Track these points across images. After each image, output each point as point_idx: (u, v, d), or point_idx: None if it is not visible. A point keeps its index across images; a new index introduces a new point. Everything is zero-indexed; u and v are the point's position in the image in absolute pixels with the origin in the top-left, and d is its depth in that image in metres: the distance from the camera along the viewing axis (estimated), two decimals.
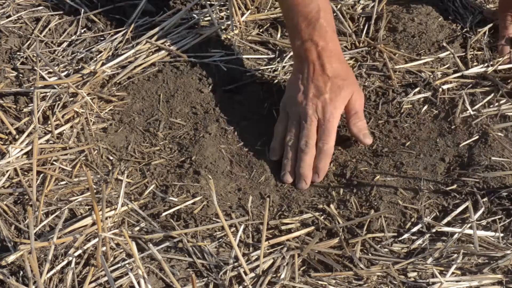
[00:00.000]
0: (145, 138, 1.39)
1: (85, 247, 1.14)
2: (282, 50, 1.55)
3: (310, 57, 1.32)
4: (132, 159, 1.34)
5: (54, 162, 1.30)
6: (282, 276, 1.10)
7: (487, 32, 1.58)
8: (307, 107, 1.31)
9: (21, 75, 1.49)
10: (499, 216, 1.20)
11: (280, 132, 1.35)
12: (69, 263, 1.11)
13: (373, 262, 1.14)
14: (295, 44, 1.35)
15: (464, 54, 1.54)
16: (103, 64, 1.50)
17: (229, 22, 1.58)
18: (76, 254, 1.12)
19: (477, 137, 1.35)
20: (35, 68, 1.48)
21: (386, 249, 1.17)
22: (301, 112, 1.32)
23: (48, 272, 1.09)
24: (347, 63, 1.39)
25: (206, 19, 1.61)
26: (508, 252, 1.13)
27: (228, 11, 1.61)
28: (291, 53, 1.52)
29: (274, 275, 1.11)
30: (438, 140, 1.36)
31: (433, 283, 1.08)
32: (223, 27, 1.59)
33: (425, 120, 1.41)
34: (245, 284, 1.09)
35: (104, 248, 1.12)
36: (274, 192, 1.30)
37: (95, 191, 1.16)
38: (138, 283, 1.05)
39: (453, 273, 1.11)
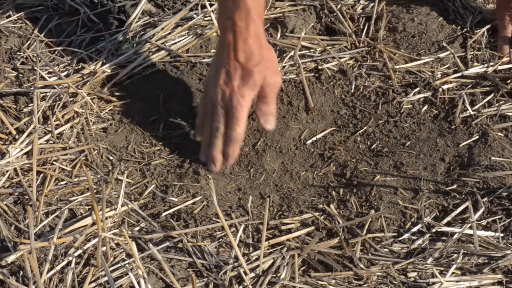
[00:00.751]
0: (145, 138, 1.39)
1: (85, 247, 1.14)
2: (282, 50, 1.55)
3: (226, 38, 1.29)
4: (132, 159, 1.34)
5: (54, 162, 1.30)
6: (282, 276, 1.10)
7: (485, 33, 1.58)
8: (216, 93, 1.30)
9: (21, 75, 1.49)
10: (499, 216, 1.20)
11: (201, 112, 1.36)
12: (69, 263, 1.11)
13: (373, 262, 1.14)
14: (218, 19, 1.33)
15: (464, 54, 1.54)
16: (103, 64, 1.50)
17: None
18: (76, 254, 1.12)
19: (477, 137, 1.35)
20: (35, 68, 1.48)
21: (386, 249, 1.17)
22: (212, 97, 1.31)
23: (48, 272, 1.09)
24: (268, 47, 1.34)
25: (206, 19, 1.61)
26: (508, 252, 1.13)
27: None
28: (291, 53, 1.52)
29: (274, 275, 1.11)
30: (438, 140, 1.37)
31: (433, 283, 1.08)
32: None
33: (425, 120, 1.41)
34: (245, 284, 1.09)
35: (104, 248, 1.12)
36: (274, 192, 1.30)
37: (95, 191, 1.16)
38: (138, 283, 1.05)
39: (453, 273, 1.11)
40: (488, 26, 1.59)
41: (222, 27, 1.31)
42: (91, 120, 1.40)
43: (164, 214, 1.22)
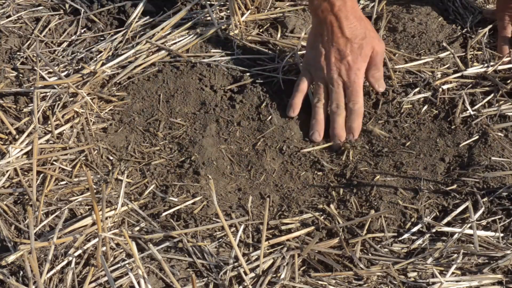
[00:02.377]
0: (145, 138, 1.39)
1: (85, 247, 1.14)
2: (282, 50, 1.55)
3: (328, 19, 1.35)
4: (132, 159, 1.34)
5: (54, 162, 1.30)
6: (282, 276, 1.10)
7: (487, 33, 1.58)
8: (332, 71, 1.36)
9: (21, 75, 1.49)
10: (499, 216, 1.20)
11: (302, 90, 1.40)
12: (69, 263, 1.11)
13: (373, 262, 1.14)
14: (313, 3, 1.37)
15: (464, 54, 1.54)
16: (103, 64, 1.50)
17: (229, 22, 1.58)
18: (76, 254, 1.12)
19: (477, 137, 1.35)
20: (35, 68, 1.48)
21: (386, 249, 1.17)
22: (326, 77, 1.37)
23: (48, 272, 1.09)
24: (365, 18, 1.40)
25: (206, 19, 1.61)
26: (508, 252, 1.13)
27: (228, 11, 1.62)
28: (291, 53, 1.52)
29: (274, 275, 1.11)
30: (438, 140, 1.37)
31: (433, 283, 1.08)
32: (223, 27, 1.59)
33: (425, 120, 1.41)
34: (245, 284, 1.09)
35: (104, 248, 1.12)
36: (274, 192, 1.30)
37: (95, 191, 1.16)
38: (138, 283, 1.05)
39: (453, 273, 1.11)
40: (490, 26, 1.59)
41: (317, 8, 1.36)
42: (91, 120, 1.40)
43: (164, 214, 1.22)
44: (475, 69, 1.49)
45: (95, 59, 1.52)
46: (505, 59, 1.50)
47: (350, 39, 1.35)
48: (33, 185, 1.23)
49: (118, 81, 1.48)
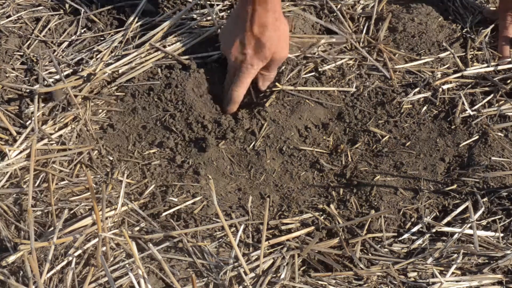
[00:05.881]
0: (145, 139, 1.39)
1: (85, 247, 1.14)
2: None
3: (245, 8, 1.38)
4: (132, 159, 1.34)
5: (54, 163, 1.30)
6: (282, 276, 1.10)
7: (489, 33, 1.58)
8: (230, 57, 1.44)
9: (21, 75, 1.49)
10: (499, 216, 1.20)
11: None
12: (69, 263, 1.11)
13: (373, 262, 1.14)
14: None
15: (464, 54, 1.54)
16: (103, 65, 1.50)
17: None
18: (76, 254, 1.12)
19: (477, 137, 1.35)
20: (35, 68, 1.48)
21: (386, 249, 1.17)
22: (227, 58, 1.46)
23: (48, 272, 1.09)
24: (282, 19, 1.42)
25: (206, 19, 1.61)
26: (508, 252, 1.13)
27: (228, 12, 1.61)
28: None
29: (274, 275, 1.11)
30: (438, 140, 1.37)
31: (433, 283, 1.08)
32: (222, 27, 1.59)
33: (425, 120, 1.41)
34: (245, 284, 1.09)
35: (104, 248, 1.12)
36: (274, 192, 1.30)
37: (95, 191, 1.16)
38: (138, 283, 1.05)
39: (453, 273, 1.11)
40: (492, 26, 1.59)
41: None
42: (91, 121, 1.40)
43: (164, 214, 1.22)
44: (475, 69, 1.49)
45: (95, 59, 1.52)
46: (506, 59, 1.50)
47: (256, 36, 1.39)
48: (30, 185, 1.23)
49: (118, 82, 1.48)
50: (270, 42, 1.39)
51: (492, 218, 1.20)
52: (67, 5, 1.65)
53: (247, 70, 1.42)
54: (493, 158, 1.29)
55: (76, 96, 1.42)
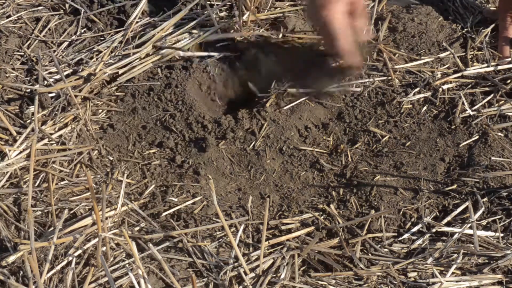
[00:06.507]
0: (145, 139, 1.39)
1: (85, 247, 1.14)
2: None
3: None
4: (132, 159, 1.34)
5: (54, 163, 1.30)
6: (282, 276, 1.10)
7: (489, 33, 1.58)
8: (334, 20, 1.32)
9: (21, 75, 1.49)
10: (499, 216, 1.20)
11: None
12: (69, 263, 1.11)
13: (373, 262, 1.14)
14: None
15: (464, 54, 1.54)
16: (103, 65, 1.50)
17: (229, 22, 1.58)
18: (76, 254, 1.12)
19: (477, 137, 1.35)
20: (35, 68, 1.48)
21: (386, 249, 1.17)
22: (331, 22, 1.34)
23: (48, 272, 1.09)
24: None
25: (206, 19, 1.61)
26: (508, 252, 1.13)
27: (228, 12, 1.62)
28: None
29: (274, 275, 1.11)
30: (438, 140, 1.37)
31: (433, 283, 1.08)
32: (223, 28, 1.59)
33: (425, 120, 1.41)
34: (245, 284, 1.09)
35: (104, 248, 1.12)
36: (274, 192, 1.30)
37: (95, 191, 1.16)
38: (138, 283, 1.05)
39: (453, 273, 1.11)
40: (492, 26, 1.59)
41: None
42: (90, 120, 1.40)
43: (164, 214, 1.22)
44: (475, 69, 1.49)
45: (95, 59, 1.52)
46: (506, 60, 1.50)
47: None
48: (30, 185, 1.23)
49: (118, 82, 1.48)
50: None
51: (492, 218, 1.20)
52: (67, 5, 1.65)
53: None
54: (493, 158, 1.29)
55: (76, 96, 1.42)
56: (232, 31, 1.58)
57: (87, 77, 1.47)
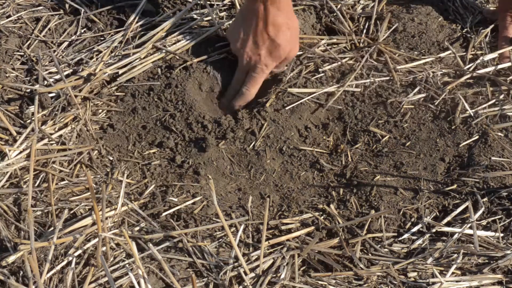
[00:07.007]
0: (145, 138, 1.39)
1: (85, 247, 1.14)
2: None
3: (256, 6, 1.38)
4: (132, 159, 1.34)
5: (54, 163, 1.30)
6: (282, 276, 1.10)
7: (489, 33, 1.58)
8: (243, 58, 1.44)
9: (21, 75, 1.49)
10: (499, 216, 1.20)
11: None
12: (69, 263, 1.11)
13: (373, 262, 1.14)
14: None
15: (464, 54, 1.54)
16: (103, 65, 1.50)
17: (229, 22, 1.58)
18: (76, 254, 1.12)
19: (477, 137, 1.35)
20: (35, 68, 1.48)
21: (386, 249, 1.17)
22: (239, 57, 1.46)
23: (48, 272, 1.09)
24: (293, 15, 1.44)
25: (206, 19, 1.61)
26: (508, 252, 1.13)
27: (228, 12, 1.62)
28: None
29: (274, 275, 1.11)
30: (438, 140, 1.37)
31: (433, 283, 1.09)
32: (223, 27, 1.59)
33: (425, 120, 1.41)
34: (245, 284, 1.09)
35: (104, 248, 1.12)
36: (274, 192, 1.30)
37: (95, 191, 1.16)
38: (138, 283, 1.05)
39: (453, 273, 1.11)
40: (492, 26, 1.59)
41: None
42: (90, 121, 1.40)
43: (164, 214, 1.22)
44: (475, 69, 1.49)
45: (95, 59, 1.52)
46: (506, 59, 1.50)
47: (271, 36, 1.39)
48: (30, 185, 1.23)
49: (118, 82, 1.48)
50: (285, 42, 1.40)
51: (492, 218, 1.20)
52: (67, 5, 1.65)
53: (262, 71, 1.43)
54: (493, 158, 1.29)
55: (76, 96, 1.42)
56: None
57: (87, 77, 1.46)
